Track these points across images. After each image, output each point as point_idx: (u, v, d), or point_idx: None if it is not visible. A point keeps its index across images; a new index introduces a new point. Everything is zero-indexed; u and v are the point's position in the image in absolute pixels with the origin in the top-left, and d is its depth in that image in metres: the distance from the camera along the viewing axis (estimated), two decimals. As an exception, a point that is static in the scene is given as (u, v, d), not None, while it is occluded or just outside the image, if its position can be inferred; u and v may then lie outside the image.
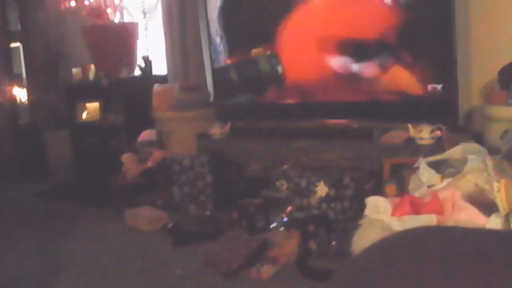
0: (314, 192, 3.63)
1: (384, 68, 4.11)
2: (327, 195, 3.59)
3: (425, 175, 2.99)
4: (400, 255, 0.36)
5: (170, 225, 4.12)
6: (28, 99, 7.10)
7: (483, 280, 0.31)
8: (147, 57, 5.84)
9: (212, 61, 5.17)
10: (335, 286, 0.39)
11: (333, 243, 3.39)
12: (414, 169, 3.15)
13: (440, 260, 0.33)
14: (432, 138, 3.75)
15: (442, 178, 2.95)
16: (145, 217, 4.38)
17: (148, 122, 5.29)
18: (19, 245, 4.19)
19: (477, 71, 4.06)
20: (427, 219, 2.59)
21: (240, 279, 3.24)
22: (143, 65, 5.82)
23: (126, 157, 5.05)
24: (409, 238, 0.38)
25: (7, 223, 4.80)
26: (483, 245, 0.35)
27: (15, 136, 6.82)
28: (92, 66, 5.94)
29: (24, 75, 7.15)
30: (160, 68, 5.96)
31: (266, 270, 3.24)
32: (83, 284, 3.40)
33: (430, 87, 3.93)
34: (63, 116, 6.41)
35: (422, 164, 3.07)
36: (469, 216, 2.55)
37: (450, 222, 2.54)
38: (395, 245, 0.38)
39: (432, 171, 3.01)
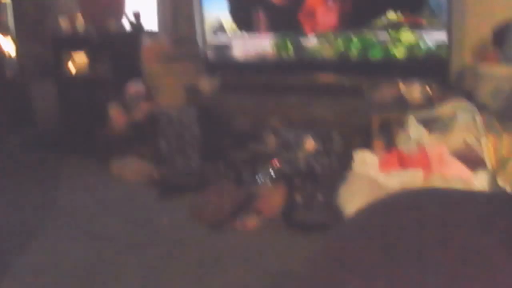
0: (302, 147, 3.62)
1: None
2: (315, 149, 3.58)
3: (414, 131, 2.99)
4: (398, 219, 0.33)
5: (156, 176, 4.11)
6: (15, 50, 6.97)
7: (483, 248, 0.30)
8: (138, 13, 5.72)
9: (201, 14, 5.08)
10: (329, 252, 0.36)
11: (319, 196, 3.40)
12: (403, 125, 3.14)
13: (440, 226, 0.32)
14: (423, 95, 3.73)
15: (431, 134, 2.95)
16: (131, 168, 4.36)
17: (136, 74, 5.21)
18: (4, 195, 4.17)
19: (471, 30, 4.02)
20: (414, 174, 2.59)
21: (225, 230, 3.25)
22: (133, 20, 5.70)
23: (113, 109, 4.99)
24: (408, 200, 0.35)
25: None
26: (484, 211, 0.33)
27: (1, 87, 6.72)
28: (80, 16, 5.81)
29: (11, 26, 7.00)
30: (150, 23, 5.85)
31: (252, 221, 3.25)
32: (69, 233, 3.39)
33: (423, 44, 3.90)
34: (50, 68, 6.31)
35: (412, 120, 3.07)
36: (456, 172, 2.56)
37: (437, 177, 2.55)
38: (393, 207, 0.35)
39: (421, 127, 3.00)
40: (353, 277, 0.32)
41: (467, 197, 0.36)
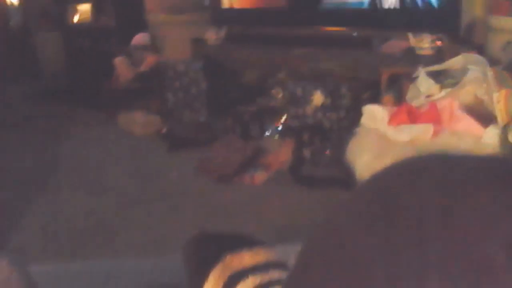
0: (310, 101, 3.59)
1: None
2: (323, 104, 3.55)
3: (424, 85, 2.95)
4: (417, 181, 0.33)
5: (164, 130, 4.10)
6: (19, 0, 6.88)
7: (499, 211, 0.29)
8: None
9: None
10: (341, 217, 0.34)
11: (327, 151, 3.39)
12: (413, 79, 3.10)
13: (457, 188, 0.31)
14: (433, 48, 3.67)
15: (441, 88, 2.91)
16: (139, 121, 4.35)
17: (141, 25, 5.14)
18: (11, 146, 4.18)
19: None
20: (424, 128, 2.57)
21: (233, 184, 3.26)
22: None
23: (118, 61, 4.95)
24: (426, 163, 0.34)
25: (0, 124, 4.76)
26: (500, 175, 0.32)
27: (6, 38, 6.67)
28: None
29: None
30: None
31: (259, 176, 3.26)
32: (76, 185, 3.41)
33: (433, -5, 3.81)
34: (54, 18, 6.23)
35: (422, 74, 3.02)
36: (467, 127, 2.53)
37: (447, 132, 2.52)
38: (411, 170, 0.34)
39: (431, 81, 2.96)
40: (369, 237, 0.31)
41: (482, 161, 0.35)
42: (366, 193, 0.35)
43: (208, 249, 0.81)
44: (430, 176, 0.32)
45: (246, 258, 0.77)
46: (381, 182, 0.34)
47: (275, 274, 0.76)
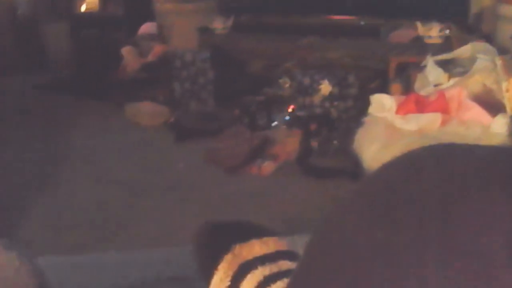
0: (318, 91, 3.58)
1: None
2: (331, 93, 3.54)
3: (432, 74, 2.93)
4: (420, 175, 0.32)
5: (171, 120, 4.10)
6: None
7: (504, 207, 0.29)
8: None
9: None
10: (352, 205, 0.34)
11: (335, 141, 3.38)
12: (421, 68, 3.08)
13: (461, 182, 0.31)
14: (441, 37, 3.64)
15: (450, 77, 2.89)
16: (146, 112, 4.35)
17: (148, 14, 5.13)
18: (19, 137, 4.19)
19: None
20: (432, 118, 2.55)
21: (241, 174, 3.26)
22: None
23: (126, 50, 4.94)
24: (430, 155, 0.33)
25: (7, 115, 4.77)
26: (506, 168, 0.31)
27: (14, 27, 6.66)
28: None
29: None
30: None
31: (267, 167, 3.25)
32: (84, 176, 3.42)
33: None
34: (62, 7, 6.23)
35: (430, 62, 3.00)
36: (475, 116, 2.52)
37: (455, 121, 2.51)
38: (415, 163, 0.33)
39: (440, 70, 2.94)
40: (369, 236, 0.31)
41: (493, 153, 0.34)
42: (366, 191, 0.35)
43: (217, 239, 0.81)
44: (431, 172, 0.32)
45: (256, 247, 0.77)
46: (381, 179, 0.34)
47: (285, 264, 0.76)
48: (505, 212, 0.29)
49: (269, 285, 0.72)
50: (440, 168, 0.32)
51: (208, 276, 0.77)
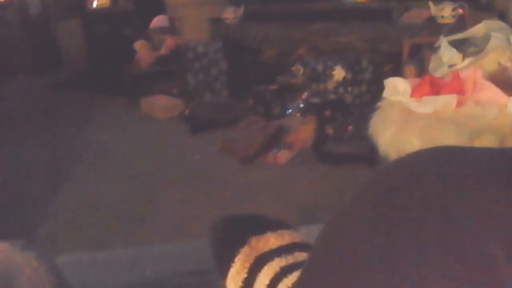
0: (331, 77, 3.55)
1: None
2: (344, 79, 3.51)
3: (446, 54, 2.88)
4: (419, 178, 0.33)
5: (186, 112, 4.10)
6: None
7: (502, 208, 0.29)
8: None
9: None
10: (353, 209, 0.34)
11: (350, 127, 3.36)
12: (434, 49, 3.03)
13: (460, 184, 0.31)
14: (454, 16, 3.59)
15: (464, 57, 2.84)
16: (161, 105, 4.36)
17: (159, 7, 5.13)
18: (36, 135, 4.22)
19: None
20: (447, 99, 2.52)
21: (256, 164, 3.25)
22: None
23: (139, 45, 4.95)
24: (429, 159, 0.33)
25: (23, 114, 4.81)
26: (504, 170, 0.31)
27: (27, 27, 6.71)
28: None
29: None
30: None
31: (283, 155, 3.24)
32: (101, 171, 3.44)
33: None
34: (74, 5, 6.25)
35: (443, 43, 2.95)
36: (491, 95, 2.47)
37: (471, 101, 2.48)
38: (414, 166, 0.34)
39: (454, 50, 2.89)
40: (370, 237, 0.32)
41: (490, 154, 0.34)
42: (367, 194, 0.35)
43: (233, 232, 0.81)
44: (430, 176, 0.32)
45: (272, 240, 0.77)
46: (382, 182, 0.34)
47: (300, 256, 0.77)
48: (504, 213, 0.29)
49: (286, 276, 0.73)
50: (440, 170, 0.33)
51: (224, 269, 0.78)
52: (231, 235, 0.82)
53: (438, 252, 0.28)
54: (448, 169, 0.32)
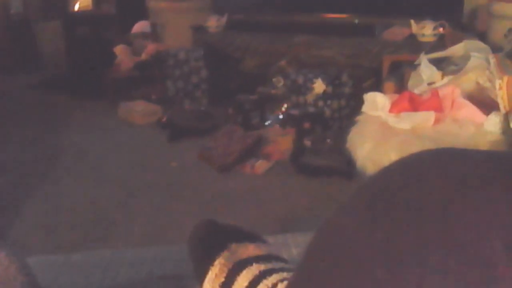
0: (311, 89, 3.57)
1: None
2: (324, 92, 3.54)
3: (426, 72, 2.92)
4: (420, 177, 0.33)
5: (164, 119, 4.08)
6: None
7: (503, 208, 0.29)
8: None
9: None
10: (352, 207, 0.34)
11: (328, 140, 3.37)
12: (414, 66, 3.08)
13: (460, 183, 0.31)
14: (435, 35, 3.65)
15: (443, 75, 2.89)
16: (139, 111, 4.33)
17: (142, 12, 5.11)
18: (13, 137, 4.17)
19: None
20: (425, 116, 2.55)
21: (234, 173, 3.25)
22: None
23: (119, 49, 4.92)
24: (430, 159, 0.33)
25: (0, 115, 4.75)
26: (505, 171, 0.32)
27: (7, 26, 6.63)
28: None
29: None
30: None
31: (261, 165, 3.25)
32: (77, 175, 3.41)
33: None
34: (55, 6, 6.20)
35: (424, 60, 3.00)
36: (468, 114, 2.51)
37: (448, 119, 2.51)
38: (415, 165, 0.33)
39: (433, 68, 2.94)
40: (370, 236, 0.31)
41: (489, 157, 0.34)
42: (366, 193, 0.35)
43: (214, 237, 0.82)
44: (431, 175, 0.32)
45: (250, 249, 0.78)
46: (382, 181, 0.34)
47: (277, 265, 0.77)
48: (504, 212, 0.29)
49: (266, 278, 0.73)
50: (440, 170, 0.33)
51: (202, 272, 0.78)
52: (211, 239, 0.82)
53: (438, 251, 0.29)
54: (449, 169, 0.32)
